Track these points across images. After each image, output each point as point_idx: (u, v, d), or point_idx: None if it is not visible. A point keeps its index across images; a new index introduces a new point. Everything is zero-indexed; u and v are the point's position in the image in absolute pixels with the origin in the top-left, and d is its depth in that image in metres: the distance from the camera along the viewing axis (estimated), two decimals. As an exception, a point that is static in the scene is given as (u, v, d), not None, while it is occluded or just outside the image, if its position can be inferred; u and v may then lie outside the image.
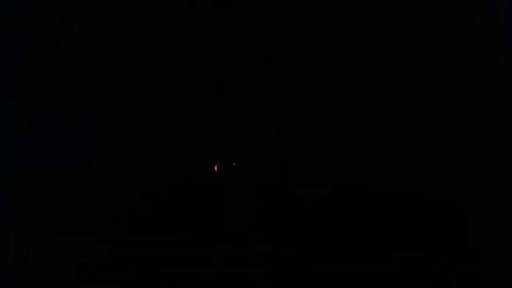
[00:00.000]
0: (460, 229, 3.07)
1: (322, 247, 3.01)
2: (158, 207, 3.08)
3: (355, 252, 3.02)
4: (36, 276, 2.99)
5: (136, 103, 3.19)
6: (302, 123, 3.17)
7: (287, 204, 3.04)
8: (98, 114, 3.17)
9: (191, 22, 3.24)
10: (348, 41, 3.23)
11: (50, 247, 3.01)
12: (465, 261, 3.00)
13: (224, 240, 2.78)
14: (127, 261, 3.03)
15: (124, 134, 3.18)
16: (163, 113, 3.16)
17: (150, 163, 3.14)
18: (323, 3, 3.23)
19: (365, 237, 3.07)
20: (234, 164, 2.83)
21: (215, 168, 2.86)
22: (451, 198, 3.10)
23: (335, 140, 3.18)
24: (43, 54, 3.21)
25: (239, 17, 3.21)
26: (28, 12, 3.22)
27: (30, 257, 3.02)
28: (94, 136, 3.17)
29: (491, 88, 3.15)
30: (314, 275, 2.96)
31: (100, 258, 3.04)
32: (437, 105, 3.19)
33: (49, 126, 3.18)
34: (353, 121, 3.21)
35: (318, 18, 3.22)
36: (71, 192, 3.10)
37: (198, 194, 3.05)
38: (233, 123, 3.04)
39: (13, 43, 3.21)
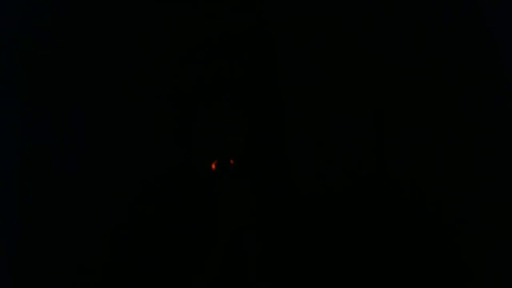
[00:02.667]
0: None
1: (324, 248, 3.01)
2: (152, 206, 3.06)
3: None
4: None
5: (133, 99, 3.17)
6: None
7: (286, 204, 3.02)
8: (93, 112, 3.16)
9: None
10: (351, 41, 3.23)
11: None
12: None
13: (219, 240, 2.75)
14: (119, 263, 3.01)
15: (121, 132, 3.16)
16: (162, 110, 3.14)
17: (146, 162, 3.13)
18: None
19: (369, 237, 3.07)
20: (231, 162, 2.81)
21: (213, 166, 2.84)
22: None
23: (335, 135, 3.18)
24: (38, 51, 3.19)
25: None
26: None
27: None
28: (90, 135, 3.15)
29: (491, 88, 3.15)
30: (314, 277, 2.95)
31: (92, 261, 3.02)
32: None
33: (45, 125, 3.16)
34: (350, 120, 3.21)
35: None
36: (68, 192, 3.09)
37: (195, 192, 3.03)
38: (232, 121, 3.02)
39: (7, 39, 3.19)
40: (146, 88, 3.18)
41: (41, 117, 3.16)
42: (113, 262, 3.02)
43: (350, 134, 3.20)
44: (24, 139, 3.14)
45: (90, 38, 3.19)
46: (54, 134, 3.14)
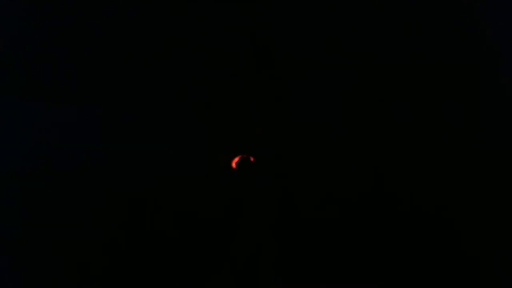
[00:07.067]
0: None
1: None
2: (168, 208, 3.03)
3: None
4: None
5: (141, 97, 3.15)
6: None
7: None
8: (103, 111, 3.14)
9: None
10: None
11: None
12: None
13: (239, 243, 2.70)
14: (128, 264, 2.98)
15: (129, 131, 3.14)
16: (173, 108, 3.11)
17: (161, 161, 3.08)
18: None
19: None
20: (252, 159, 2.74)
21: (233, 164, 2.74)
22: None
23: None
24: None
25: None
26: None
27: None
28: (98, 135, 3.13)
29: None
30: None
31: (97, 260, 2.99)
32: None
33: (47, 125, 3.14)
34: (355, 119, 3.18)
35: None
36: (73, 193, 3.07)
37: (213, 192, 2.96)
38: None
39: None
40: (151, 81, 3.15)
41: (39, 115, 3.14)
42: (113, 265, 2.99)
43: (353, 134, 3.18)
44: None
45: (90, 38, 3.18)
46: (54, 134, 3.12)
